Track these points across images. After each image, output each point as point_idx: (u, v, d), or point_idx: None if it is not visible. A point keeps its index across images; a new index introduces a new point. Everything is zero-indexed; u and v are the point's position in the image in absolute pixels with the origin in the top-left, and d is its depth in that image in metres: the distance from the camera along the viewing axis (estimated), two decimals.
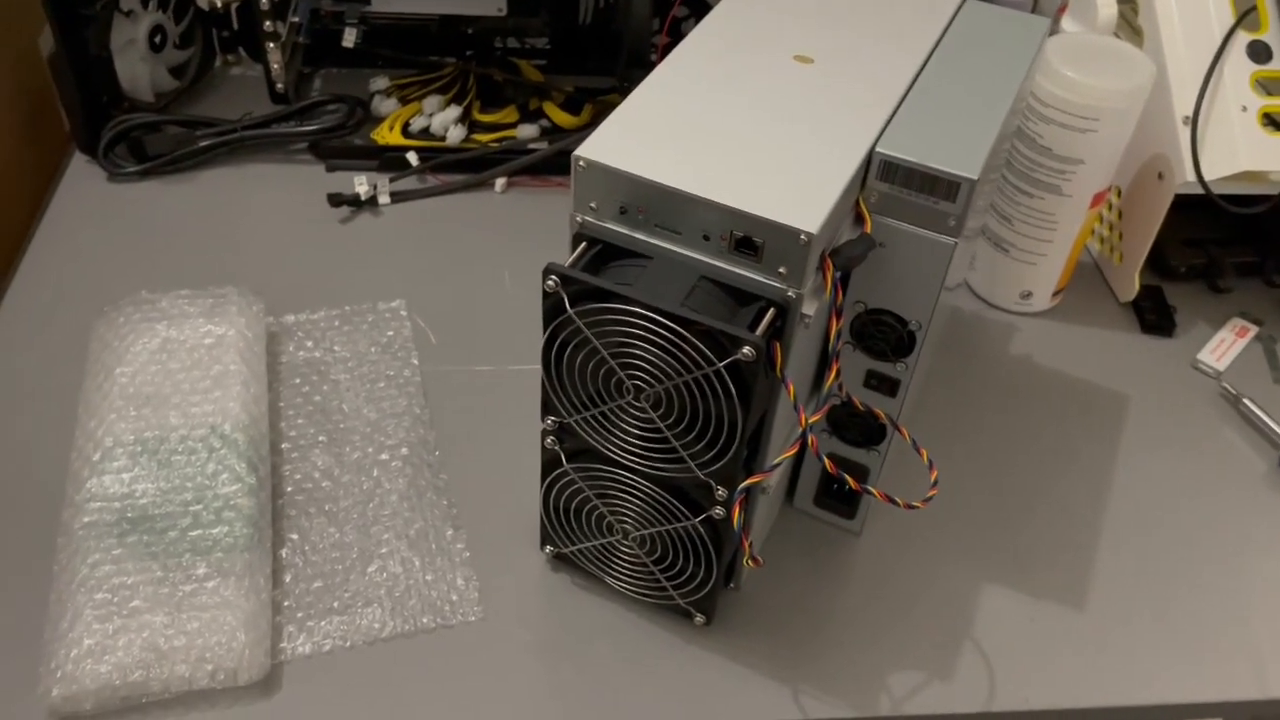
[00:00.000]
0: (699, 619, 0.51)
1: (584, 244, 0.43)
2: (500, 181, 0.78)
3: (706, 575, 0.48)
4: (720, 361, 0.39)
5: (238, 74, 0.86)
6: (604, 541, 0.50)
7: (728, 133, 0.43)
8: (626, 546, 0.49)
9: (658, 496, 0.46)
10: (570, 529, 0.51)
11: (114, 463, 0.52)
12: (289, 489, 0.56)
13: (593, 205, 0.42)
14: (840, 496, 0.55)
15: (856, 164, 0.42)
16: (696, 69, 0.47)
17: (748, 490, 0.44)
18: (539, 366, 0.65)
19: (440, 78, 0.84)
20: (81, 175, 0.74)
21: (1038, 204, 0.66)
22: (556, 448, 0.48)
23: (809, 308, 0.41)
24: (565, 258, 0.72)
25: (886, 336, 0.47)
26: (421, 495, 0.56)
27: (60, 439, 0.56)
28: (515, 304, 0.69)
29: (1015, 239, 0.68)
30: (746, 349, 0.39)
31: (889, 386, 0.49)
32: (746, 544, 0.44)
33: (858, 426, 0.51)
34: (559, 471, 0.48)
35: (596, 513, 0.49)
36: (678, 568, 0.49)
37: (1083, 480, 0.61)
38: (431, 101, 0.80)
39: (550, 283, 0.41)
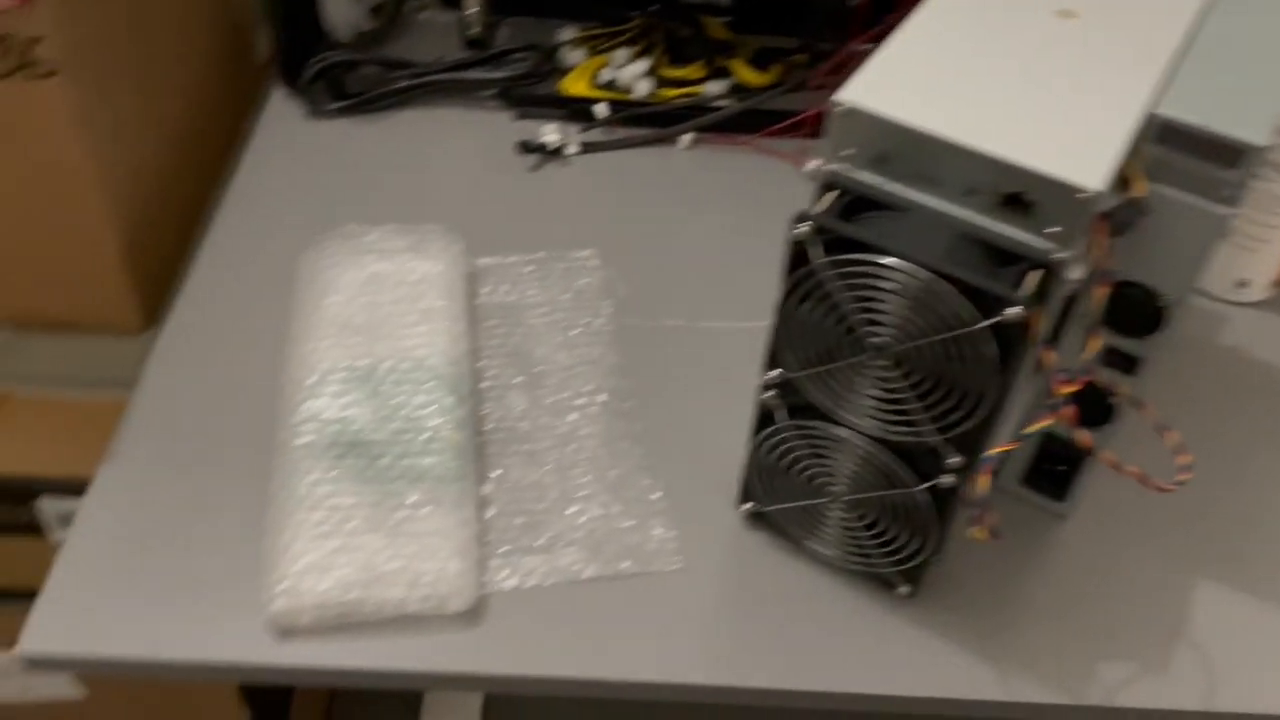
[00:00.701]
0: (903, 589, 0.49)
1: (833, 192, 0.42)
2: (686, 138, 0.77)
3: (921, 545, 0.47)
4: (983, 321, 0.38)
5: (425, 18, 0.87)
6: (811, 503, 0.49)
7: (994, 85, 0.41)
8: (835, 510, 0.48)
9: (881, 460, 0.45)
10: (775, 488, 0.50)
11: (328, 388, 0.53)
12: (488, 427, 0.56)
13: (846, 153, 0.41)
14: (1052, 477, 0.53)
15: (1134, 122, 0.40)
16: (954, 21, 0.45)
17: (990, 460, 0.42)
18: (728, 324, 0.65)
19: (626, 30, 0.83)
20: (281, 109, 0.76)
21: (1268, 186, 0.62)
22: (774, 403, 0.47)
23: (1074, 272, 0.39)
24: (750, 217, 0.72)
25: (1134, 311, 0.45)
26: (617, 442, 0.56)
27: (272, 361, 0.57)
28: (703, 261, 0.68)
29: (1237, 222, 0.64)
30: (1013, 310, 0.37)
31: (1128, 364, 0.47)
32: (989, 516, 0.42)
33: (1085, 404, 0.49)
34: (775, 428, 0.47)
35: (807, 472, 0.48)
36: (888, 535, 0.48)
37: None
38: (621, 54, 0.80)
39: (800, 230, 0.40)
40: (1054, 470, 0.53)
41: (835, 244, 0.40)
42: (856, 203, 0.42)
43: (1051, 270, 0.39)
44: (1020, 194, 0.38)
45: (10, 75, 0.53)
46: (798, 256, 0.41)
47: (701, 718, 1.12)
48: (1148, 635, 0.50)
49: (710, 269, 0.67)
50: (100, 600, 0.48)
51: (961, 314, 0.38)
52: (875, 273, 0.39)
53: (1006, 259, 0.39)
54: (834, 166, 0.41)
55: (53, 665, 0.47)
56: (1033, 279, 0.38)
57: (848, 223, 0.41)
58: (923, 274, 0.38)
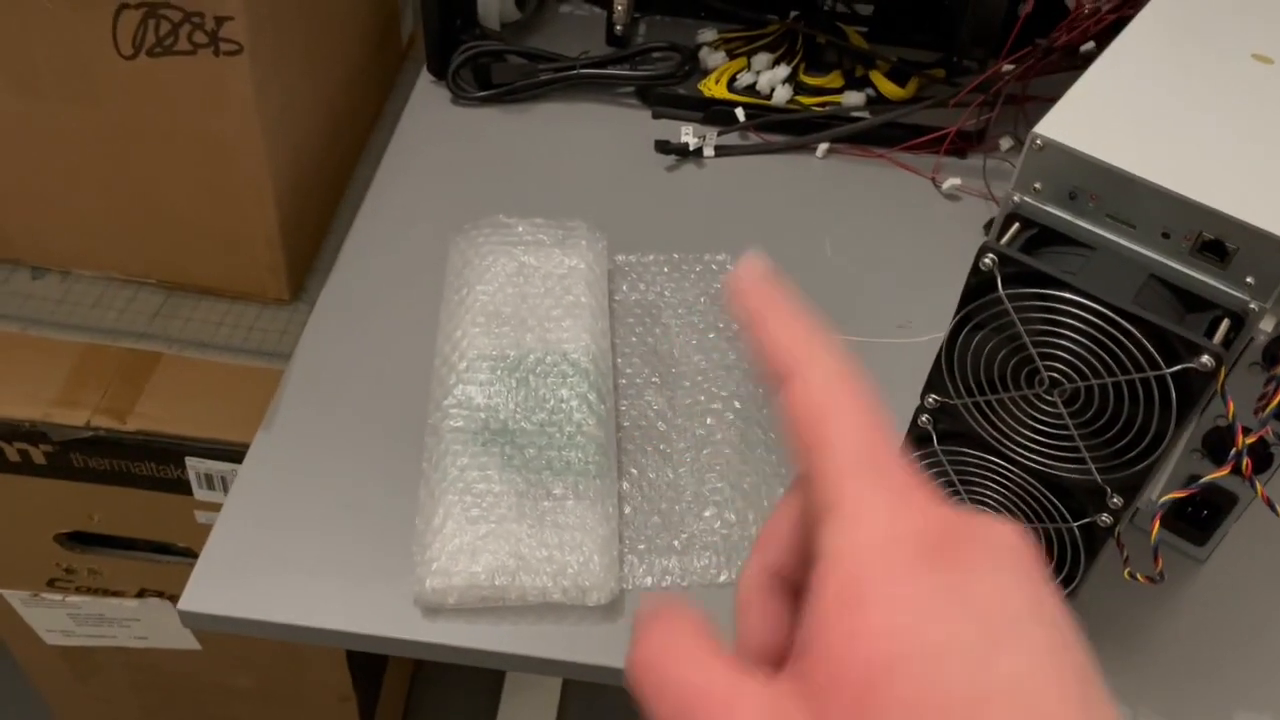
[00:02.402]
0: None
1: (1017, 224, 0.42)
2: (822, 147, 0.77)
3: (1065, 580, 0.47)
4: (1169, 367, 0.38)
5: (566, 11, 0.88)
6: None
7: (1191, 128, 0.41)
8: None
9: (1036, 493, 0.45)
10: None
11: (478, 375, 0.55)
12: (626, 424, 0.57)
13: (1037, 186, 0.41)
14: (1195, 521, 0.53)
15: None
16: (1147, 60, 0.44)
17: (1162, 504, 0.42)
18: (861, 339, 0.65)
19: (765, 35, 0.83)
20: (428, 95, 0.78)
21: None
22: (930, 427, 0.47)
23: (1267, 324, 0.38)
24: (883, 231, 0.72)
25: None
26: (753, 450, 0.57)
27: (419, 341, 0.59)
28: (835, 273, 0.68)
29: None
30: (1205, 358, 0.37)
31: None
32: (1160, 560, 0.42)
33: (1250, 453, 0.49)
34: (927, 451, 0.47)
35: (954, 499, 0.48)
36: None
37: None
38: (761, 59, 0.80)
39: (987, 261, 0.40)
40: (1199, 514, 0.52)
41: (1018, 277, 0.40)
42: (1042, 235, 0.42)
43: (1243, 320, 0.38)
44: (1219, 241, 0.38)
45: (199, 51, 0.55)
46: (978, 286, 0.41)
47: None
48: None
49: (842, 281, 0.67)
50: (255, 564, 0.50)
51: (1147, 358, 0.38)
52: (1061, 309, 0.39)
53: (1194, 305, 0.39)
54: (1022, 198, 0.41)
55: (209, 624, 0.49)
56: (1223, 329, 0.38)
57: (1031, 256, 0.41)
58: (1107, 314, 0.38)
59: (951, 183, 0.74)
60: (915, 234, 0.72)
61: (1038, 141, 0.40)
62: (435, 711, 1.09)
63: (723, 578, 0.51)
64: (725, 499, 0.54)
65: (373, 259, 0.65)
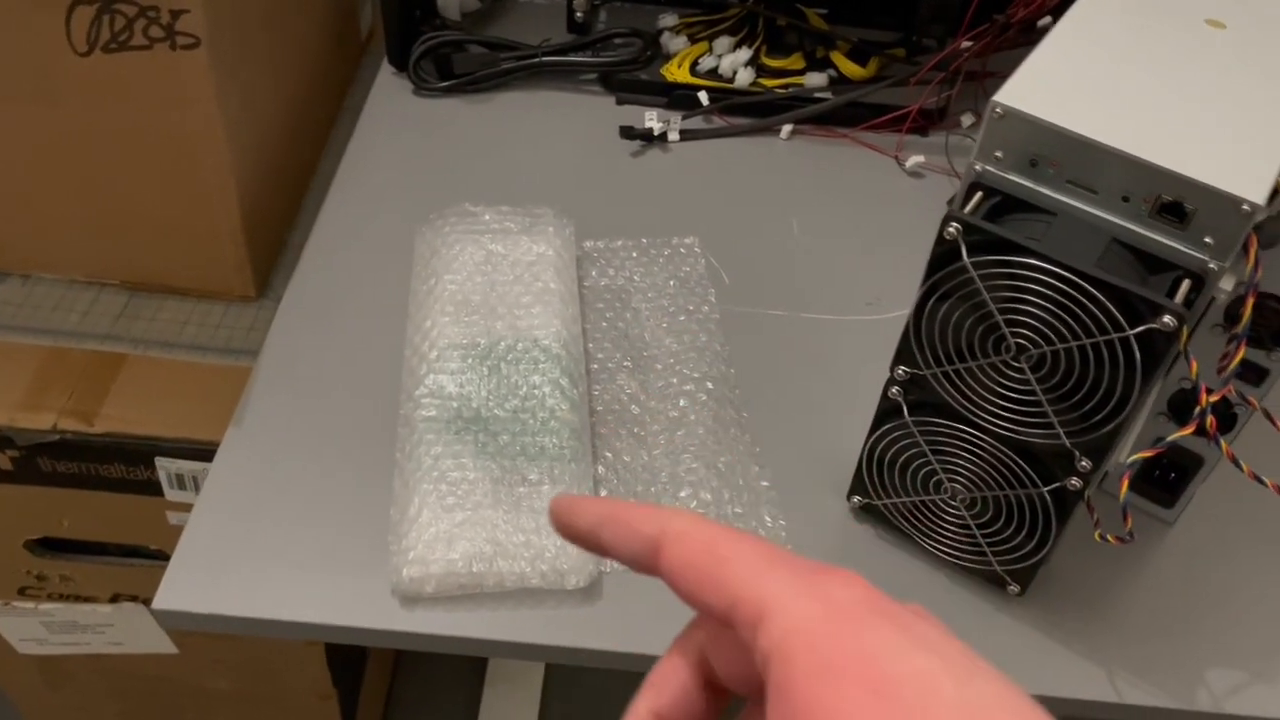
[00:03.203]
0: (1013, 588, 0.50)
1: (980, 193, 0.42)
2: (785, 128, 0.77)
3: (1037, 545, 0.47)
4: (1132, 329, 0.38)
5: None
6: (926, 499, 0.49)
7: (1149, 93, 0.41)
8: (951, 507, 0.49)
9: (1006, 460, 0.45)
10: (890, 482, 0.50)
11: (449, 363, 0.55)
12: (599, 409, 0.57)
13: (999, 155, 0.41)
14: (1162, 484, 0.53)
15: None
16: (1103, 28, 0.45)
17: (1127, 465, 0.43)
18: (829, 317, 0.66)
19: (726, 18, 0.83)
20: (389, 87, 0.77)
21: None
22: (900, 399, 0.47)
23: (1226, 283, 0.39)
24: (848, 210, 0.72)
25: (1269, 322, 0.45)
26: (726, 430, 0.57)
27: (388, 333, 0.59)
28: (802, 252, 0.68)
29: None
30: (1167, 318, 0.37)
31: (1255, 375, 0.47)
32: (1129, 519, 0.43)
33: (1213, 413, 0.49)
34: (897, 423, 0.48)
35: (926, 469, 0.49)
36: (1003, 535, 0.48)
37: None
38: (722, 42, 0.80)
39: (951, 230, 0.41)
40: (1165, 477, 0.53)
41: (983, 245, 0.40)
42: (1004, 204, 0.42)
43: (1203, 280, 0.39)
44: (1178, 203, 0.38)
45: (155, 46, 0.54)
46: (944, 255, 0.41)
47: None
48: (1255, 642, 0.50)
49: (810, 261, 0.68)
50: (229, 561, 0.50)
51: (1111, 320, 0.38)
52: (1025, 275, 0.39)
53: (1157, 267, 0.40)
54: (984, 167, 0.42)
55: (185, 622, 0.49)
56: (1183, 289, 0.39)
57: (995, 224, 0.41)
58: (1071, 279, 0.38)
59: (914, 160, 0.75)
60: (880, 212, 0.72)
61: (998, 110, 0.40)
62: (417, 705, 1.09)
63: None
64: (700, 479, 0.54)
65: (338, 252, 0.65)
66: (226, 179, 0.61)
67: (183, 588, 0.49)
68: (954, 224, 0.41)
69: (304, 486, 0.53)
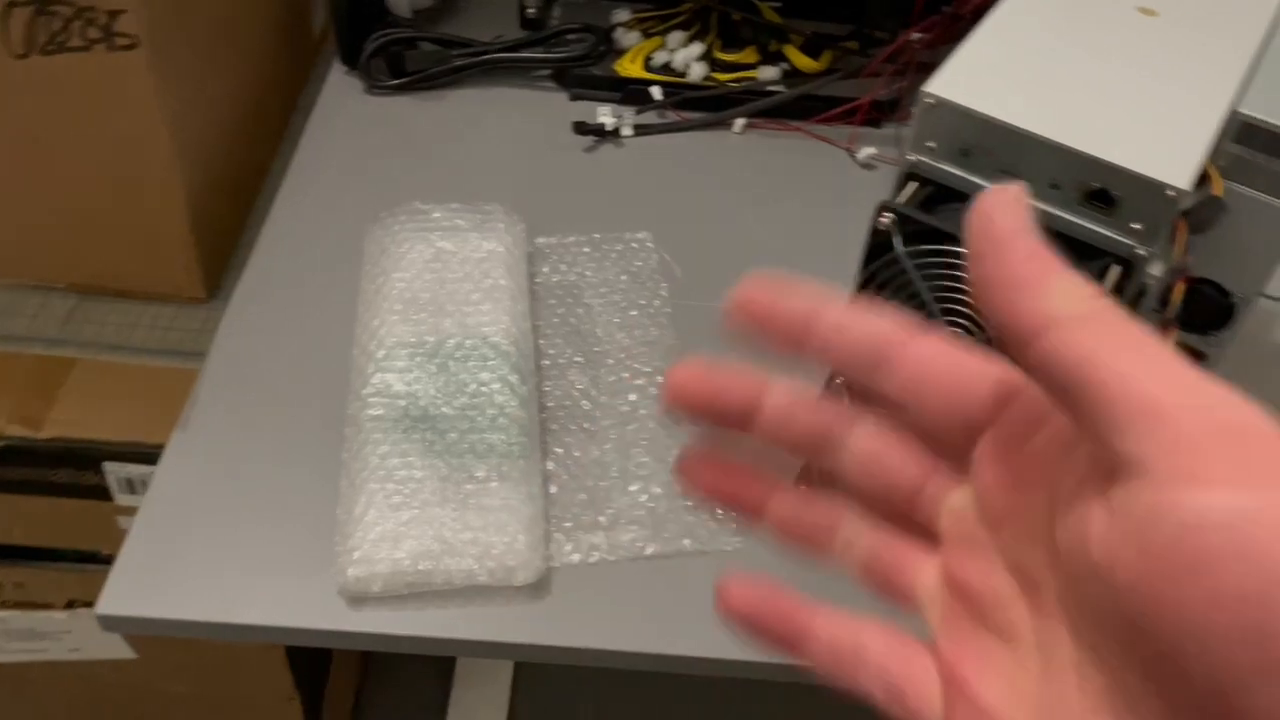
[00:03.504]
0: None
1: (915, 183, 0.42)
2: (739, 122, 0.77)
3: None
4: None
5: None
6: None
7: (1078, 81, 0.42)
8: None
9: None
10: None
11: (397, 362, 0.54)
12: (550, 405, 0.57)
13: (931, 145, 0.42)
14: None
15: (1218, 121, 0.40)
16: (1035, 15, 0.45)
17: None
18: None
19: (679, 13, 0.83)
20: (341, 86, 0.77)
21: None
22: (841, 393, 0.47)
23: (1155, 269, 0.39)
24: (802, 203, 0.72)
25: (1203, 307, 0.46)
26: (677, 423, 0.57)
27: (337, 332, 0.58)
28: (755, 246, 0.68)
29: None
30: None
31: (1194, 359, 0.47)
32: None
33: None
34: None
35: None
36: None
37: None
38: (675, 37, 0.80)
39: (884, 220, 0.41)
40: None
41: (916, 235, 0.41)
42: (938, 194, 0.42)
43: (1132, 266, 0.39)
44: (1105, 190, 0.38)
45: (93, 47, 0.54)
46: (877, 246, 0.42)
47: (730, 693, 1.14)
48: None
49: (763, 253, 0.68)
50: (174, 564, 0.49)
51: None
52: (958, 264, 0.40)
53: (1085, 254, 0.40)
54: (917, 157, 0.42)
55: (129, 626, 0.48)
56: (1113, 275, 0.39)
57: (928, 214, 0.41)
58: None
59: (867, 152, 0.75)
60: (833, 204, 0.72)
61: (929, 100, 0.41)
62: (385, 706, 1.09)
63: (649, 550, 0.51)
64: (651, 473, 0.54)
65: (289, 252, 0.64)
66: (172, 180, 0.60)
67: (126, 593, 0.49)
68: (887, 214, 0.41)
69: (251, 489, 0.52)
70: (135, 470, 0.62)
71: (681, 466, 0.25)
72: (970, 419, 0.22)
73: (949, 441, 0.22)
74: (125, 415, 0.62)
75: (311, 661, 0.85)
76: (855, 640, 0.23)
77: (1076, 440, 0.20)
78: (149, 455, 0.61)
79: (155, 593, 0.49)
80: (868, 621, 0.23)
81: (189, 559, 0.50)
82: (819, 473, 0.24)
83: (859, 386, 0.23)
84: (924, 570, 0.23)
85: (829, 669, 0.23)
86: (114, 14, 0.53)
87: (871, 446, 0.23)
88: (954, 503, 0.22)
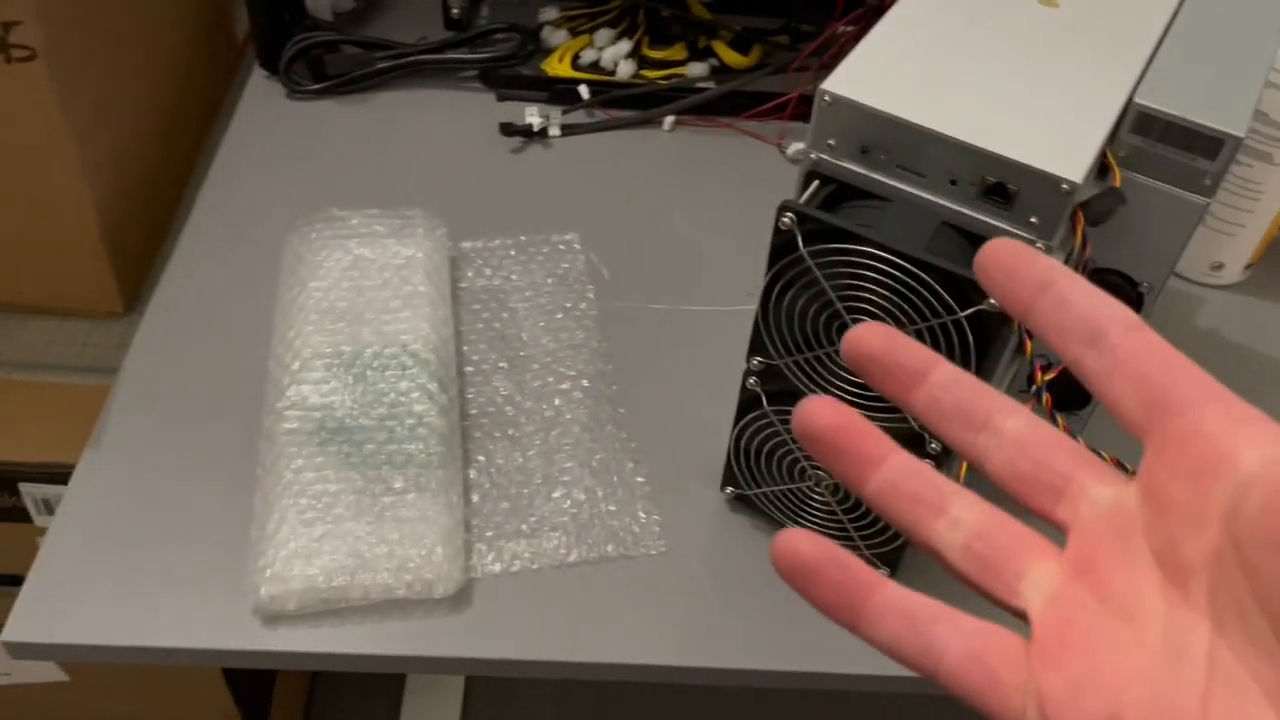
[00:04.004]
0: (883, 570, 0.50)
1: (817, 182, 0.42)
2: (668, 120, 0.77)
3: (896, 539, 0.47)
4: (962, 311, 0.38)
5: None
6: (793, 487, 0.49)
7: (977, 75, 0.41)
8: (817, 493, 0.49)
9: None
10: (758, 472, 0.50)
11: (312, 374, 0.53)
12: (473, 412, 0.57)
13: (831, 143, 0.41)
14: None
15: (1115, 113, 0.40)
16: (937, 9, 0.45)
17: None
18: (710, 307, 0.65)
19: (607, 10, 0.83)
20: (261, 90, 0.76)
21: (1243, 171, 0.63)
22: (758, 389, 0.47)
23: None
24: (732, 199, 0.72)
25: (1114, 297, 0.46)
26: (602, 427, 0.56)
27: (255, 345, 0.57)
28: (685, 244, 0.68)
29: (1213, 206, 0.65)
30: (993, 300, 0.38)
31: None
32: None
33: (1063, 390, 0.50)
34: (757, 413, 0.48)
35: (790, 457, 0.49)
36: (870, 518, 0.48)
37: None
38: (602, 35, 0.79)
39: (785, 220, 0.41)
40: None
41: (819, 233, 0.40)
42: (841, 192, 0.42)
43: None
44: (1002, 184, 0.38)
45: None
46: (782, 246, 0.41)
47: (685, 699, 1.13)
48: None
49: (692, 252, 0.67)
50: (85, 587, 0.48)
51: (942, 303, 0.39)
52: (859, 262, 0.39)
53: None
54: (818, 156, 0.42)
55: (38, 653, 0.47)
56: None
57: (831, 212, 0.41)
58: (905, 263, 0.39)
59: (797, 147, 0.75)
60: (763, 200, 0.71)
61: (826, 98, 0.40)
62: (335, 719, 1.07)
63: (573, 557, 0.51)
64: (574, 478, 0.54)
65: (205, 264, 0.63)
66: (81, 193, 0.59)
67: (35, 618, 0.47)
68: (789, 214, 0.40)
69: (166, 508, 0.51)
70: (53, 491, 0.60)
71: (809, 403, 0.24)
72: (1157, 406, 0.22)
73: (1131, 422, 0.22)
74: (42, 435, 0.60)
75: (253, 678, 0.84)
76: (933, 609, 0.23)
77: None
78: (66, 475, 0.59)
79: (65, 618, 0.47)
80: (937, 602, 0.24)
81: (101, 581, 0.49)
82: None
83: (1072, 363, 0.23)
84: (1041, 562, 0.23)
85: (897, 635, 0.23)
86: (9, 25, 0.52)
87: (1029, 433, 0.24)
88: (1101, 496, 0.23)
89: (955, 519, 0.24)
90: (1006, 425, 0.24)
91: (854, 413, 0.24)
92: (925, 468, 0.24)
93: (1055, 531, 0.24)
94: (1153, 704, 0.20)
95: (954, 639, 0.23)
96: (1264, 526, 0.19)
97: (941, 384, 0.24)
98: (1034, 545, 0.23)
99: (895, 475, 0.24)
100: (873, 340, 0.24)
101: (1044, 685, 0.21)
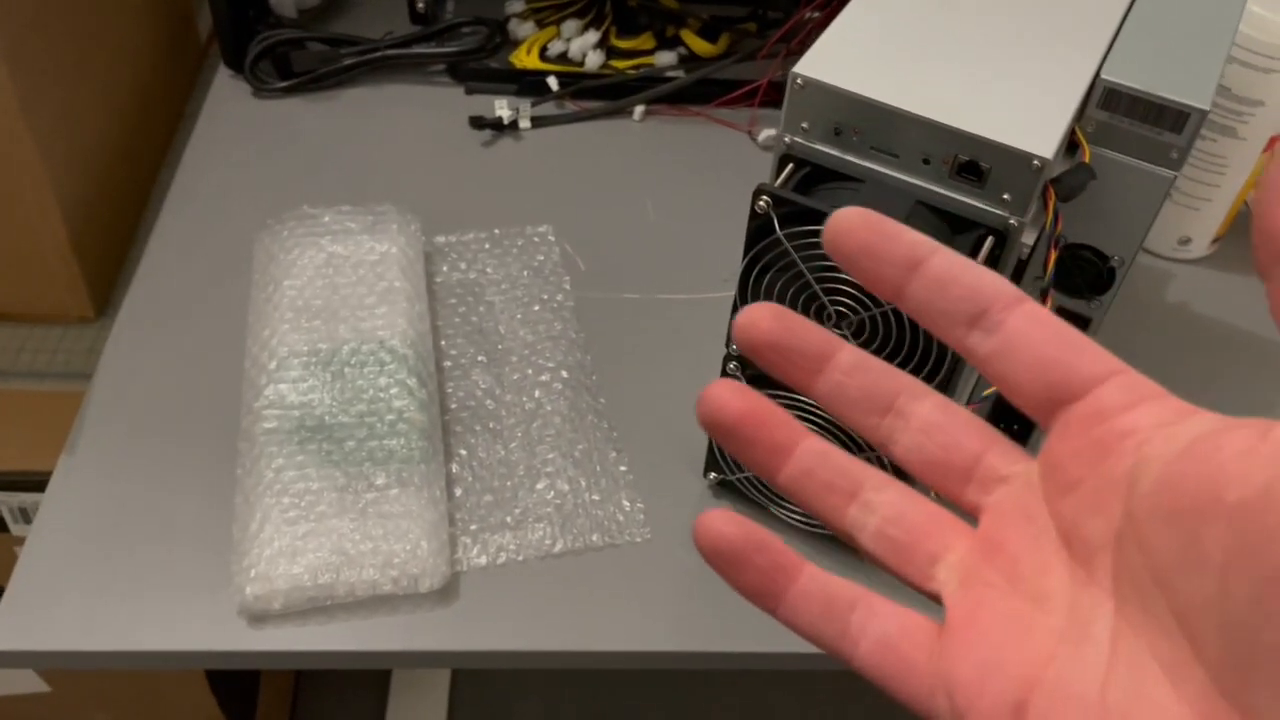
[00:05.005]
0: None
1: (791, 165, 0.42)
2: (639, 109, 0.77)
3: None
4: None
5: None
6: None
7: (945, 55, 0.42)
8: None
9: (841, 427, 0.46)
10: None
11: (290, 372, 0.53)
12: (453, 406, 0.56)
13: (804, 125, 0.42)
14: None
15: (1083, 90, 0.41)
16: None
17: None
18: (687, 295, 0.66)
19: (574, 2, 0.82)
20: (226, 90, 0.75)
21: (1208, 146, 0.64)
22: (738, 374, 0.48)
23: (1028, 238, 0.40)
24: (704, 187, 0.72)
25: (1084, 272, 0.46)
26: (583, 417, 0.56)
27: (229, 346, 0.57)
28: (658, 233, 0.68)
29: (1179, 182, 0.66)
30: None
31: (1079, 324, 0.48)
32: None
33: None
34: None
35: None
36: None
37: None
38: (570, 25, 0.79)
39: (761, 203, 0.41)
40: (1008, 429, 0.54)
41: (795, 215, 0.41)
42: (815, 174, 0.42)
43: (1005, 236, 0.40)
44: (974, 162, 0.39)
45: None
46: (758, 230, 0.41)
47: (672, 684, 1.14)
48: None
49: (666, 240, 0.67)
50: (67, 593, 0.48)
51: None
52: None
53: (961, 227, 0.40)
54: (792, 139, 0.42)
55: (21, 661, 0.47)
56: (987, 245, 0.39)
57: (806, 195, 0.41)
58: None
59: (767, 133, 0.75)
60: (735, 187, 0.71)
61: (798, 81, 0.40)
62: (321, 718, 1.07)
63: (558, 547, 0.51)
64: (557, 469, 0.54)
65: (175, 265, 0.62)
66: (46, 196, 0.58)
67: (17, 626, 0.47)
68: (764, 197, 0.41)
69: (145, 512, 0.51)
70: (29, 499, 0.60)
71: (714, 389, 0.23)
72: (1058, 387, 0.21)
73: (1031, 405, 0.22)
74: (14, 442, 0.60)
75: (236, 680, 0.83)
76: (851, 593, 0.23)
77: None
78: (42, 483, 0.59)
79: (47, 625, 0.47)
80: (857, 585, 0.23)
81: (82, 587, 0.48)
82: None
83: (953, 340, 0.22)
84: (956, 544, 0.23)
85: (814, 621, 0.23)
86: None
87: (936, 416, 0.23)
88: (1010, 476, 0.22)
89: (868, 503, 0.23)
90: (913, 409, 0.23)
91: (762, 398, 0.23)
92: (836, 452, 0.24)
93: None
94: (1056, 686, 0.20)
95: (870, 624, 0.22)
96: (1160, 502, 0.19)
97: (845, 369, 0.24)
98: (949, 527, 0.23)
99: (807, 462, 0.23)
100: (765, 323, 0.23)
101: (953, 670, 0.21)
